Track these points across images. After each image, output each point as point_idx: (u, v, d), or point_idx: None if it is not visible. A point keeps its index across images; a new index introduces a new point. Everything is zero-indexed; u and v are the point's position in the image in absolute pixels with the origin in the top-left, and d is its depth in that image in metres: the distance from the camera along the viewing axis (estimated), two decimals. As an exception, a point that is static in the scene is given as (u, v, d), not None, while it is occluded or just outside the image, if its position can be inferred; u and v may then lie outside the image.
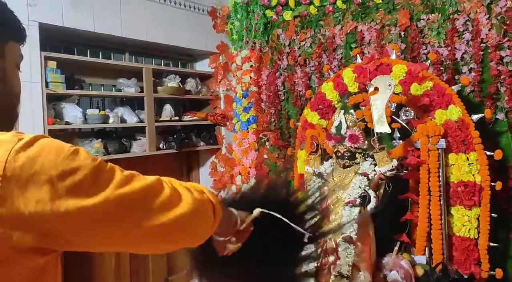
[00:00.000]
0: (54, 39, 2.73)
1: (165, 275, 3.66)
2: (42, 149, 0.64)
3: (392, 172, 1.97)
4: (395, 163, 1.97)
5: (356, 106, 2.56)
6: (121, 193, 0.69)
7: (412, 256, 2.20)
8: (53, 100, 2.61)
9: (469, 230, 2.15)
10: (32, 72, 2.40)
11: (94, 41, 2.98)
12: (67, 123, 2.63)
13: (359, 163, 2.08)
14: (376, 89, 2.02)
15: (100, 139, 2.77)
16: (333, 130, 2.10)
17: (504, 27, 2.31)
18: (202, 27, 3.54)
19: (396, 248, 2.11)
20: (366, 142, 2.10)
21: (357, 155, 2.08)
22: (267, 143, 3.42)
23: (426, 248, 2.21)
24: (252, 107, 3.49)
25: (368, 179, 1.98)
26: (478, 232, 2.14)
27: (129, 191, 0.71)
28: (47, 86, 2.49)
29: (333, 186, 2.08)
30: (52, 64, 2.49)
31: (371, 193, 1.96)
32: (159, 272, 3.61)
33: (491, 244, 2.13)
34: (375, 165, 2.02)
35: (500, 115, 2.36)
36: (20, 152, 0.62)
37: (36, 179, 0.62)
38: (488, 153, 2.14)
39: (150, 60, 3.49)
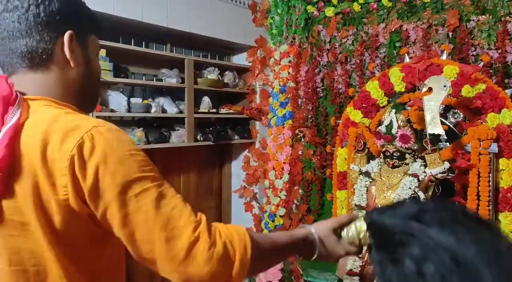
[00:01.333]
0: (103, 27, 2.75)
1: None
2: (110, 139, 0.80)
3: (443, 174, 1.94)
4: (447, 165, 1.94)
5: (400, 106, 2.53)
6: (162, 211, 0.80)
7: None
8: (101, 87, 2.64)
9: (516, 236, 2.11)
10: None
11: (138, 30, 3.00)
12: (112, 111, 2.65)
13: (408, 163, 2.06)
14: (430, 89, 1.98)
15: (141, 128, 2.80)
16: (382, 129, 2.07)
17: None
18: (241, 20, 3.54)
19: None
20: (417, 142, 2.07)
21: (406, 155, 2.06)
22: (302, 139, 3.40)
23: (471, 253, 2.17)
24: (288, 103, 3.48)
25: (418, 180, 1.95)
26: (526, 239, 2.10)
27: (168, 210, 0.81)
28: (96, 73, 2.51)
29: (382, 185, 2.05)
30: (102, 52, 2.51)
31: (421, 195, 1.93)
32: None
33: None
34: (425, 166, 1.99)
35: (552, 121, 2.31)
36: (92, 137, 0.78)
37: (96, 162, 0.77)
38: (540, 159, 2.09)
39: (190, 51, 3.50)
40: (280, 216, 3.45)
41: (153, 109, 2.84)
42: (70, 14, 0.90)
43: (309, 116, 3.36)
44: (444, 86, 1.96)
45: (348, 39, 3.18)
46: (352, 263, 2.01)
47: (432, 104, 1.98)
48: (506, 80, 2.49)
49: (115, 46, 2.65)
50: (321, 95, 3.32)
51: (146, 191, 0.79)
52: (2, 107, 0.81)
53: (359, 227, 0.95)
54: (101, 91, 1.12)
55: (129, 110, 2.72)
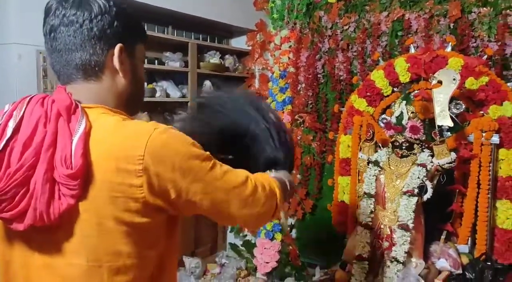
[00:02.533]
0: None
1: (192, 248, 3.75)
2: (172, 136, 0.91)
3: (450, 165, 2.03)
4: (453, 156, 2.03)
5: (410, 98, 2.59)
6: (226, 179, 0.98)
7: (455, 244, 2.28)
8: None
9: (512, 223, 2.23)
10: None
11: (138, 11, 2.96)
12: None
13: (416, 153, 2.14)
14: (440, 82, 2.05)
15: (146, 112, 2.80)
16: (393, 120, 2.14)
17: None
18: (242, 3, 3.52)
19: (443, 237, 2.19)
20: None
21: (415, 146, 2.13)
22: (302, 125, 3.45)
23: (469, 238, 2.29)
24: (288, 88, 3.51)
25: (426, 170, 2.04)
26: (521, 226, 2.23)
27: (233, 179, 1.00)
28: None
29: (391, 174, 2.13)
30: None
31: (428, 184, 2.02)
32: (187, 245, 3.70)
33: (532, 237, 2.22)
34: (432, 156, 2.08)
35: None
36: (156, 137, 0.87)
37: (167, 159, 0.87)
38: (539, 150, 2.20)
39: (190, 34, 3.48)
40: (278, 199, 3.51)
41: (157, 94, 2.85)
42: (120, 28, 0.98)
43: (309, 102, 3.40)
44: (454, 79, 2.03)
45: (350, 27, 3.21)
46: (362, 248, 2.10)
47: (442, 97, 2.05)
48: (504, 73, 2.58)
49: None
50: (322, 81, 3.36)
51: (212, 167, 0.95)
52: (66, 116, 0.87)
53: None
54: (144, 95, 1.18)
55: (134, 95, 2.72)
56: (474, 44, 2.68)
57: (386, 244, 2.09)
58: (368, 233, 2.12)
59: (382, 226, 2.13)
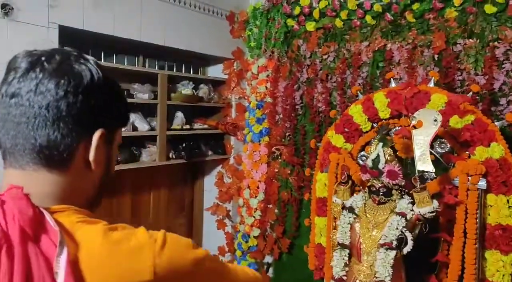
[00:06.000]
0: (73, 41, 2.54)
1: None
2: (174, 244, 0.75)
3: (432, 214, 1.83)
4: (436, 204, 1.83)
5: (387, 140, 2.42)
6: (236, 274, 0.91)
7: (441, 299, 2.07)
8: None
9: (503, 275, 2.03)
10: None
11: (109, 43, 2.78)
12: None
13: (395, 200, 1.94)
14: (420, 123, 1.87)
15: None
16: (369, 163, 1.94)
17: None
18: (218, 31, 3.37)
19: (426, 292, 1.98)
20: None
21: (393, 191, 1.94)
22: (279, 158, 3.26)
23: (456, 292, 2.08)
24: (265, 119, 3.33)
25: (406, 220, 1.84)
26: (512, 279, 2.03)
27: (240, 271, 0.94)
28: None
29: (367, 223, 1.93)
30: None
31: (408, 235, 1.82)
32: None
33: (524, 292, 2.01)
34: (413, 203, 1.88)
35: (542, 156, 2.23)
36: (161, 254, 0.71)
37: (176, 274, 0.73)
38: (530, 196, 2.01)
39: (163, 63, 3.30)
40: (255, 237, 3.30)
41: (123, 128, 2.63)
42: (107, 110, 0.78)
43: (287, 134, 3.22)
44: (435, 120, 1.85)
45: (329, 56, 3.05)
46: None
47: (422, 139, 1.87)
48: (492, 108, 2.42)
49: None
50: (300, 112, 3.19)
51: (215, 267, 0.85)
52: (33, 233, 0.63)
53: None
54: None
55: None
56: (460, 78, 2.52)
57: (363, 303, 1.87)
58: (343, 290, 1.91)
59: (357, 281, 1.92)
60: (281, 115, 3.26)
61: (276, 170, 3.27)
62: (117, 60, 2.94)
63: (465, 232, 2.04)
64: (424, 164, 1.83)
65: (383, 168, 1.90)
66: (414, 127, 1.87)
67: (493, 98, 2.41)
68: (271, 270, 3.33)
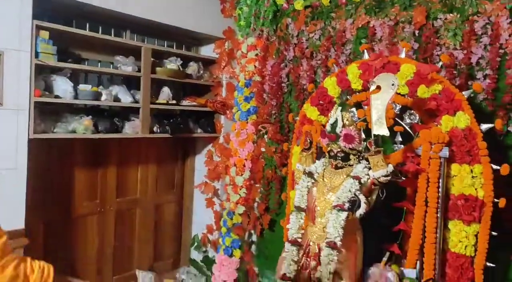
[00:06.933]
0: (54, 10, 2.62)
1: (151, 262, 3.57)
2: None
3: (386, 178, 1.82)
4: (390, 168, 1.82)
5: (358, 105, 2.41)
6: None
7: (402, 268, 2.06)
8: (45, 72, 2.50)
9: (465, 246, 2.00)
10: (22, 40, 2.29)
11: (94, 15, 2.86)
12: (56, 97, 2.52)
13: (352, 165, 1.94)
14: (378, 87, 1.87)
15: (90, 116, 2.67)
16: (328, 128, 1.95)
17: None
18: (210, 10, 3.42)
19: (385, 259, 1.97)
20: (362, 143, 1.96)
21: (351, 156, 1.94)
22: (265, 136, 3.28)
23: (418, 262, 2.06)
24: (253, 98, 3.35)
25: (360, 183, 1.84)
26: (475, 250, 1.99)
27: None
28: (37, 56, 2.38)
29: (323, 187, 1.94)
30: (44, 34, 2.38)
31: (362, 198, 1.82)
32: (144, 258, 3.52)
33: (488, 264, 1.98)
34: (370, 168, 1.88)
35: (512, 128, 2.20)
36: None
37: None
38: (494, 166, 1.98)
39: (153, 40, 3.37)
40: (239, 214, 3.33)
41: (103, 97, 2.71)
42: None
43: (273, 112, 3.24)
44: (393, 84, 1.85)
45: (315, 34, 3.05)
46: (288, 267, 1.90)
47: (379, 103, 1.86)
48: (469, 82, 2.38)
49: (62, 30, 2.51)
50: (286, 90, 3.20)
51: None
52: None
53: None
54: None
55: (76, 97, 2.58)
56: (439, 52, 2.49)
57: (313, 263, 1.88)
58: (296, 251, 1.92)
59: (310, 243, 1.93)
60: (268, 94, 3.28)
61: (262, 148, 3.29)
62: (103, 32, 3.00)
63: (427, 202, 2.03)
64: (380, 128, 1.83)
65: (340, 132, 1.90)
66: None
67: (470, 73, 2.37)
68: (254, 247, 3.36)
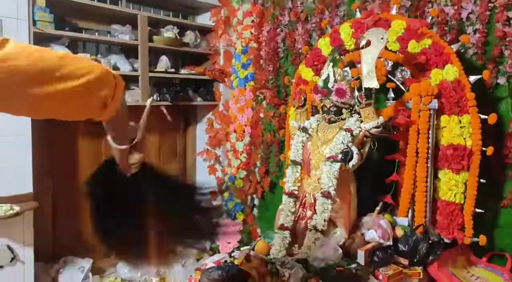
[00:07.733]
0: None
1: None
2: None
3: (377, 130, 1.90)
4: (381, 120, 1.90)
5: (352, 64, 2.47)
6: None
7: (395, 217, 2.15)
8: (43, 40, 2.56)
9: (455, 194, 2.08)
10: (19, 8, 2.34)
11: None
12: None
13: (345, 118, 2.01)
14: (368, 42, 1.92)
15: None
16: (320, 83, 2.01)
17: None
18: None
19: (378, 208, 2.07)
20: (354, 97, 2.02)
21: (343, 111, 2.01)
22: (263, 101, 3.34)
23: (410, 211, 2.16)
24: (251, 64, 3.40)
25: (352, 135, 1.91)
26: (465, 197, 2.08)
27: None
28: (34, 24, 2.43)
29: (317, 140, 2.01)
30: (41, 1, 2.43)
31: (354, 150, 1.90)
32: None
33: (477, 210, 2.06)
34: (361, 121, 1.95)
35: (501, 80, 2.23)
36: None
37: None
38: (482, 116, 2.04)
39: (149, 9, 3.40)
40: (241, 178, 3.43)
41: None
42: None
43: (270, 77, 3.29)
44: (382, 38, 1.91)
45: (310, -3, 3.08)
46: (285, 217, 2.00)
47: (370, 58, 1.92)
48: (460, 38, 2.42)
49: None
50: (282, 55, 3.25)
51: None
52: None
53: None
54: None
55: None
56: (431, 9, 2.52)
57: (309, 213, 1.98)
58: (293, 202, 2.01)
59: (306, 195, 2.02)
60: (265, 60, 3.33)
61: (261, 114, 3.36)
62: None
63: (417, 153, 2.11)
64: (370, 81, 1.89)
65: (332, 87, 1.97)
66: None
67: (461, 28, 2.41)
68: (255, 210, 3.47)
